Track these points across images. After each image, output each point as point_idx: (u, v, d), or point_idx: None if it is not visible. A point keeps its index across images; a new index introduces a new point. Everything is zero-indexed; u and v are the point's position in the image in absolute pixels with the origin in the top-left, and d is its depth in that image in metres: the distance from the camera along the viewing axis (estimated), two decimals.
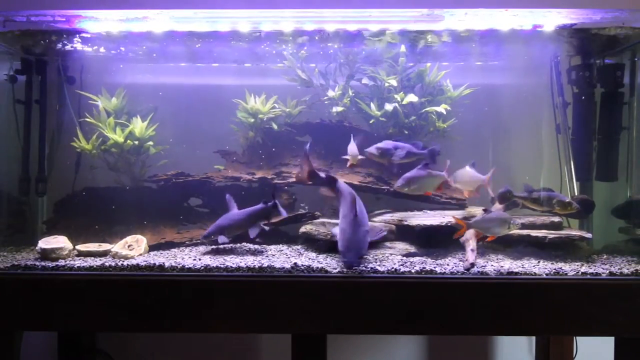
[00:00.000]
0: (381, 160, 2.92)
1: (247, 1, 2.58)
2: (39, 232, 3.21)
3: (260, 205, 2.89)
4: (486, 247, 2.86)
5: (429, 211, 3.05)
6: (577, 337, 3.33)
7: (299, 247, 2.93)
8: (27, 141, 3.24)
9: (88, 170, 3.24)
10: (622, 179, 3.12)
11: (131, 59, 3.33)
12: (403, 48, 3.06)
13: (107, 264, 2.61)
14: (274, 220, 3.04)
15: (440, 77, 3.21)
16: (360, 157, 2.92)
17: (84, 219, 3.03)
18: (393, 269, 2.52)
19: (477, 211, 3.00)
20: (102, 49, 3.14)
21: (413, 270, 2.52)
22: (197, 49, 3.17)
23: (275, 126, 3.24)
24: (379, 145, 2.89)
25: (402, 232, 2.88)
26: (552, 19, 2.69)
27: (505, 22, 2.72)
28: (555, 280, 2.47)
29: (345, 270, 2.51)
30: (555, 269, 2.53)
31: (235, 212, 2.90)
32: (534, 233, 2.80)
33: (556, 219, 2.94)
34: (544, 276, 2.49)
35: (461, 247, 2.73)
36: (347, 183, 3.05)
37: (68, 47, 3.11)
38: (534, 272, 2.51)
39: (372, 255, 2.72)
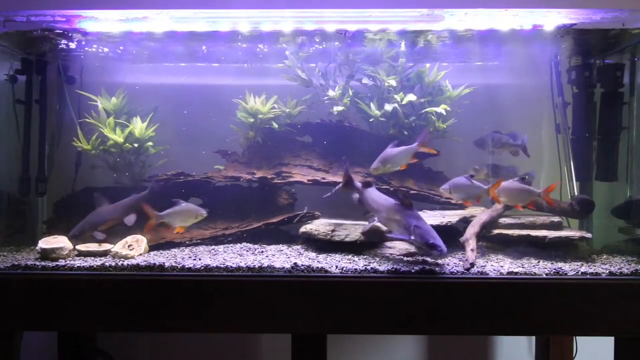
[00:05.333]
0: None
1: (247, 1, 2.58)
2: (39, 232, 3.21)
3: (131, 196, 2.99)
4: (486, 247, 2.87)
5: (428, 211, 3.05)
6: (577, 337, 3.33)
7: (299, 247, 2.93)
8: (27, 141, 3.24)
9: (88, 170, 3.24)
10: (622, 179, 3.12)
11: (131, 59, 3.33)
12: (403, 47, 3.06)
13: (107, 264, 2.61)
14: (274, 220, 3.04)
15: (440, 78, 3.21)
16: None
17: (84, 218, 3.03)
18: (393, 269, 2.52)
19: (477, 211, 3.00)
20: (102, 49, 3.14)
21: (413, 270, 2.52)
22: (197, 49, 3.17)
23: (275, 126, 3.24)
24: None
25: None
26: (552, 19, 2.68)
27: (505, 22, 2.72)
28: (555, 280, 2.47)
29: (439, 259, 2.60)
30: (555, 269, 2.53)
31: (105, 207, 2.96)
32: (534, 233, 2.80)
33: (556, 218, 2.94)
34: (544, 276, 2.49)
35: (461, 247, 2.73)
36: None
37: (68, 47, 3.11)
38: (534, 272, 2.51)
39: (371, 255, 2.72)
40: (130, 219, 2.92)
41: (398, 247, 2.79)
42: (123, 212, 2.96)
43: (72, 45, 3.07)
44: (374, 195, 2.83)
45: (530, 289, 2.44)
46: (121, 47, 3.14)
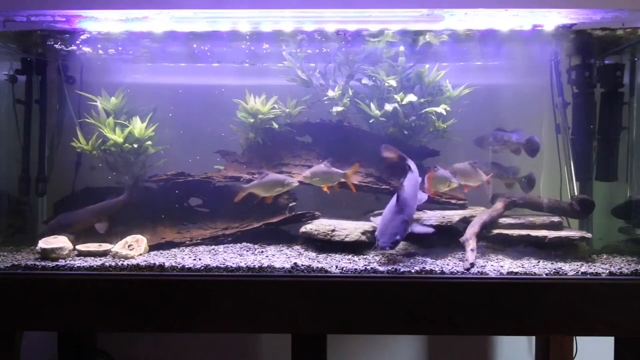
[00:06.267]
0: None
1: (247, 1, 2.58)
2: (39, 232, 3.21)
3: (106, 201, 3.01)
4: (486, 247, 2.87)
5: (428, 211, 3.05)
6: (577, 337, 3.33)
7: (299, 247, 2.93)
8: (27, 141, 3.24)
9: (88, 171, 3.24)
10: (622, 179, 3.12)
11: (131, 59, 3.33)
12: (402, 48, 3.06)
13: (107, 264, 2.61)
14: (274, 220, 3.04)
15: (440, 78, 3.21)
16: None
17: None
18: (393, 269, 2.52)
19: (477, 211, 3.00)
20: (102, 49, 3.14)
21: (413, 270, 2.52)
22: (197, 49, 3.17)
23: (275, 126, 3.24)
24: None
25: None
26: (552, 19, 2.68)
27: (505, 22, 2.72)
28: (555, 280, 2.47)
29: (379, 253, 2.59)
30: (555, 269, 2.53)
31: (77, 210, 2.98)
32: (534, 233, 2.80)
33: (556, 218, 2.95)
34: (544, 276, 2.49)
35: (461, 247, 2.73)
36: (346, 182, 3.06)
37: (68, 47, 3.11)
38: (534, 272, 2.51)
39: (371, 255, 2.72)
40: (102, 227, 2.92)
41: (398, 247, 2.78)
42: (94, 217, 2.96)
43: (72, 45, 3.07)
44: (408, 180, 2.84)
45: (530, 289, 2.44)
46: (119, 48, 3.14)
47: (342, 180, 2.99)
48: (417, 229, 2.64)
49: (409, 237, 2.82)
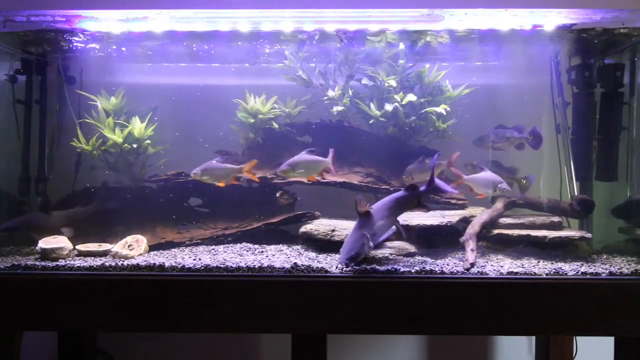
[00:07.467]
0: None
1: (247, 1, 2.58)
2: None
3: (74, 209, 3.03)
4: (486, 247, 2.87)
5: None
6: (577, 337, 3.33)
7: (299, 247, 2.93)
8: (27, 141, 3.24)
9: (88, 171, 3.24)
10: (622, 179, 3.12)
11: (131, 59, 3.33)
12: (402, 47, 3.06)
13: (107, 264, 2.61)
14: (274, 220, 3.04)
15: (440, 78, 3.21)
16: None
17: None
18: (393, 269, 2.52)
19: (477, 211, 3.00)
20: (102, 49, 3.14)
21: (413, 270, 2.52)
22: (197, 49, 3.17)
23: (275, 126, 3.24)
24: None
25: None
26: (552, 19, 2.69)
27: (505, 22, 2.72)
28: (555, 280, 2.47)
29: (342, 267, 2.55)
30: (555, 269, 2.53)
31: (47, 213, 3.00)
32: (534, 233, 2.80)
33: (556, 218, 2.94)
34: (544, 276, 2.49)
35: (461, 247, 2.73)
36: (346, 182, 3.06)
37: (68, 47, 3.11)
38: (534, 272, 2.51)
39: (372, 255, 2.72)
40: (68, 232, 2.91)
41: (398, 247, 2.79)
42: (60, 222, 2.94)
43: (72, 45, 3.07)
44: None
45: (530, 289, 2.44)
46: (121, 47, 3.14)
47: (239, 175, 2.95)
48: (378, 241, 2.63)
49: (409, 238, 2.83)
